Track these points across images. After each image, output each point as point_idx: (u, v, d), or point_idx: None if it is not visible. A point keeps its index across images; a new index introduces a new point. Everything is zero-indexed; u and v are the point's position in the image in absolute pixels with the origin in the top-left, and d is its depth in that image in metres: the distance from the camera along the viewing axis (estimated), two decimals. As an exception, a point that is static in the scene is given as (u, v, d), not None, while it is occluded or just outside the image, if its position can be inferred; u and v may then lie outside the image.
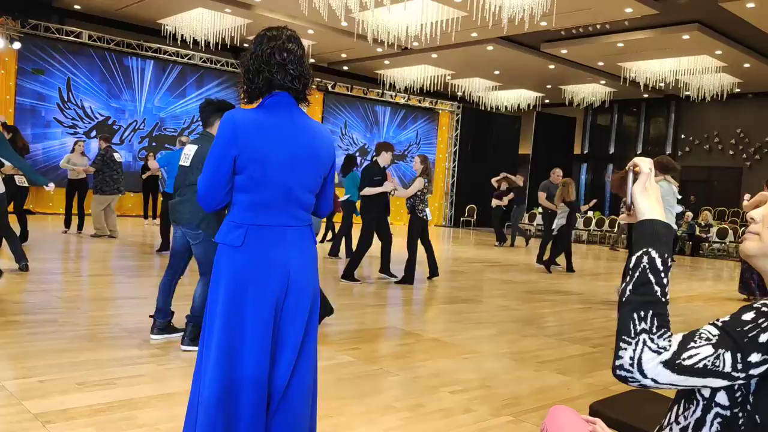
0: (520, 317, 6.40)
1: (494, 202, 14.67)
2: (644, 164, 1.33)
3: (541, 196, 10.85)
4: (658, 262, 1.23)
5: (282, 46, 2.16)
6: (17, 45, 13.72)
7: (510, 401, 3.71)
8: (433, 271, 8.41)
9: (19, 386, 3.35)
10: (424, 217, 8.05)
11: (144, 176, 13.08)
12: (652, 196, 1.31)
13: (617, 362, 1.20)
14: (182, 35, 14.83)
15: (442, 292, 7.82)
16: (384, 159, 7.92)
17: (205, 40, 14.83)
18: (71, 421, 2.94)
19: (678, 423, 1.28)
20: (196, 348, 4.23)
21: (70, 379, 3.53)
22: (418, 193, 7.97)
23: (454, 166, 21.66)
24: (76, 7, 14.69)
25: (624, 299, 1.23)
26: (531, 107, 21.66)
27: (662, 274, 1.23)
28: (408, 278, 7.98)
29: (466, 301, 7.18)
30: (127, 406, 3.18)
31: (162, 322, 4.56)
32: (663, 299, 1.21)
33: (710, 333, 1.19)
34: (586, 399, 3.76)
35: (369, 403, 3.51)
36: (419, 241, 8.13)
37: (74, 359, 3.89)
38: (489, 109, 21.84)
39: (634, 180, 1.33)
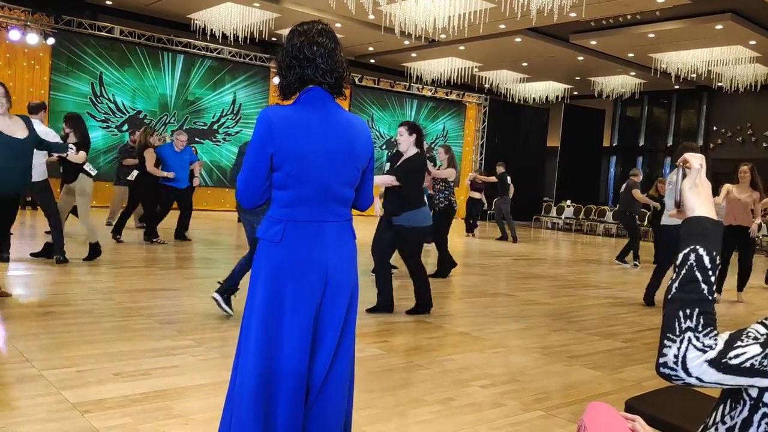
0: (549, 311, 6.36)
1: (474, 195, 14.54)
2: (695, 160, 1.31)
3: (638, 193, 10.91)
4: (706, 259, 1.21)
5: (312, 40, 2.15)
6: (51, 41, 13.96)
7: (540, 396, 3.70)
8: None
9: (57, 376, 3.42)
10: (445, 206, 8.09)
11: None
12: (702, 192, 1.29)
13: (661, 360, 1.19)
14: (211, 29, 14.94)
15: (469, 285, 7.80)
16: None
17: (234, 35, 14.92)
18: (108, 410, 3.00)
19: (724, 423, 1.27)
20: (220, 297, 5.09)
21: (106, 369, 3.59)
22: (452, 183, 8.07)
23: (481, 159, 21.54)
24: (108, 2, 14.89)
25: (670, 296, 1.22)
26: (559, 99, 21.44)
27: (710, 272, 1.21)
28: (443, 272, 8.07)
29: (494, 294, 7.16)
30: (163, 396, 3.24)
31: (227, 287, 5.09)
32: (710, 297, 1.20)
33: (758, 332, 1.17)
34: (618, 395, 3.74)
35: (399, 396, 3.53)
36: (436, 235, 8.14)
37: (109, 350, 3.97)
38: (517, 101, 21.66)
39: (684, 176, 1.31)
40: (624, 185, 11.28)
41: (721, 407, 1.29)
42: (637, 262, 11.04)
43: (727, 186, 7.62)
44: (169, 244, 9.36)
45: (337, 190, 2.16)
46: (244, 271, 5.09)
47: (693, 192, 1.30)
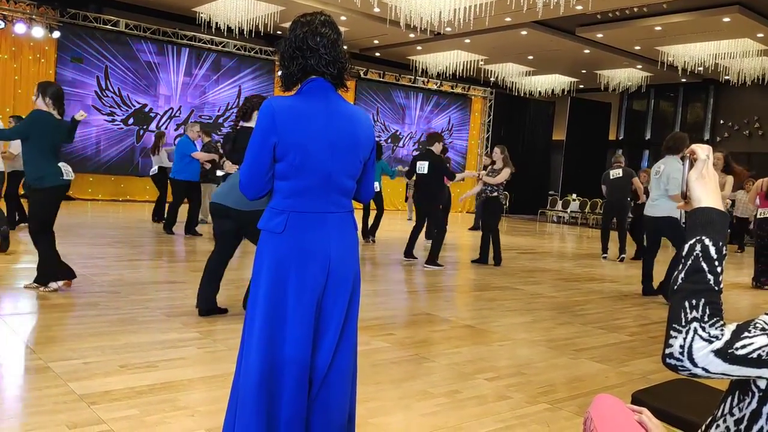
0: (554, 305, 6.36)
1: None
2: (701, 151, 1.31)
3: (638, 181, 10.62)
4: (712, 250, 1.21)
5: (315, 30, 2.15)
6: (56, 34, 13.97)
7: (546, 389, 3.70)
8: (485, 258, 8.98)
9: (64, 368, 3.44)
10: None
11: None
12: (708, 183, 1.29)
13: (667, 351, 1.19)
14: (216, 23, 14.91)
15: (475, 279, 7.80)
16: (437, 149, 8.53)
17: (239, 28, 14.90)
18: (115, 402, 3.02)
19: (732, 415, 1.26)
20: None
21: (113, 361, 3.61)
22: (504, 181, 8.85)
23: (487, 153, 21.49)
24: (113, -5, 14.89)
25: (676, 287, 1.21)
26: (565, 92, 21.36)
27: (716, 263, 1.21)
28: (498, 260, 8.90)
29: (499, 288, 7.16)
30: (169, 388, 3.25)
31: None
32: (716, 288, 1.19)
33: (766, 323, 1.17)
34: (624, 388, 3.74)
35: (405, 388, 3.53)
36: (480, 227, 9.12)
37: (116, 342, 3.99)
38: (522, 94, 21.60)
39: (691, 167, 1.30)
40: (616, 172, 10.70)
41: (729, 399, 1.29)
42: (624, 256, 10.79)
43: None
44: (194, 237, 9.37)
45: (339, 180, 2.16)
46: None
47: (699, 183, 1.29)
